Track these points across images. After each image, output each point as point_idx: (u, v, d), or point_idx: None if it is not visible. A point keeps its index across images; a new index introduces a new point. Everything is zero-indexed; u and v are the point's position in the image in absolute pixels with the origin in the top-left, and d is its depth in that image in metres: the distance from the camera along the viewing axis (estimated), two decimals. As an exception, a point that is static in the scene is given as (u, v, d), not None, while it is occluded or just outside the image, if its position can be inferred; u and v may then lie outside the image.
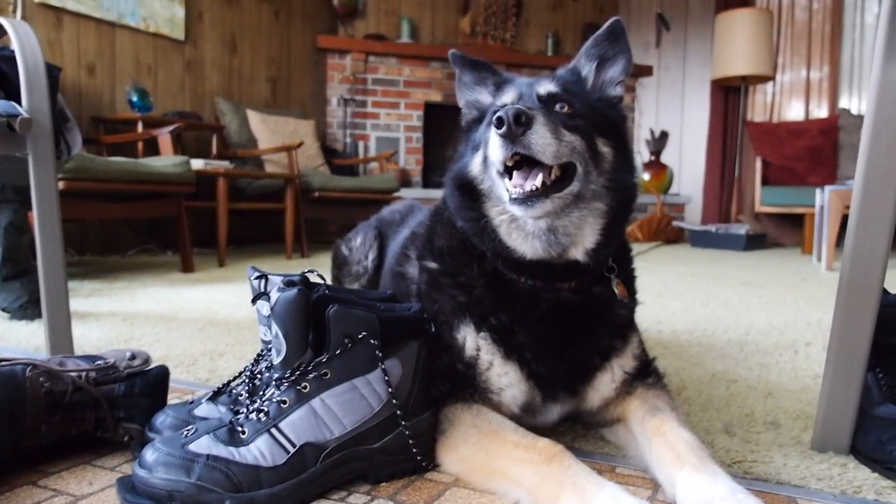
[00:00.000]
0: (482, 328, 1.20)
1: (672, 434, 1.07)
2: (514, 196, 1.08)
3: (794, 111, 7.66)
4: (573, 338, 1.20)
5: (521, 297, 1.18)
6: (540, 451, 1.03)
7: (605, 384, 1.25)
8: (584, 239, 1.16)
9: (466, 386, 1.20)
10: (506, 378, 1.20)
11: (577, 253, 1.16)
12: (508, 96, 1.22)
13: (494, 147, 1.08)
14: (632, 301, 1.29)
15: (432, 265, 1.28)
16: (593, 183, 1.15)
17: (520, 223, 1.16)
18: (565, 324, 1.18)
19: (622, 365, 1.26)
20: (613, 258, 1.23)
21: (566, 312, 1.18)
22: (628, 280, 1.29)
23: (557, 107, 1.16)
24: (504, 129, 1.03)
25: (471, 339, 1.20)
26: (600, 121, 1.19)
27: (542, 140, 1.04)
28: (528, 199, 1.07)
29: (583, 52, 1.28)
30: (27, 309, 2.41)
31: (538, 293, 1.17)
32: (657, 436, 1.09)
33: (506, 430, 1.11)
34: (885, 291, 1.21)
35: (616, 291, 1.22)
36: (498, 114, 1.03)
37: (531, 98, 1.18)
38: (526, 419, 1.24)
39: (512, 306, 1.18)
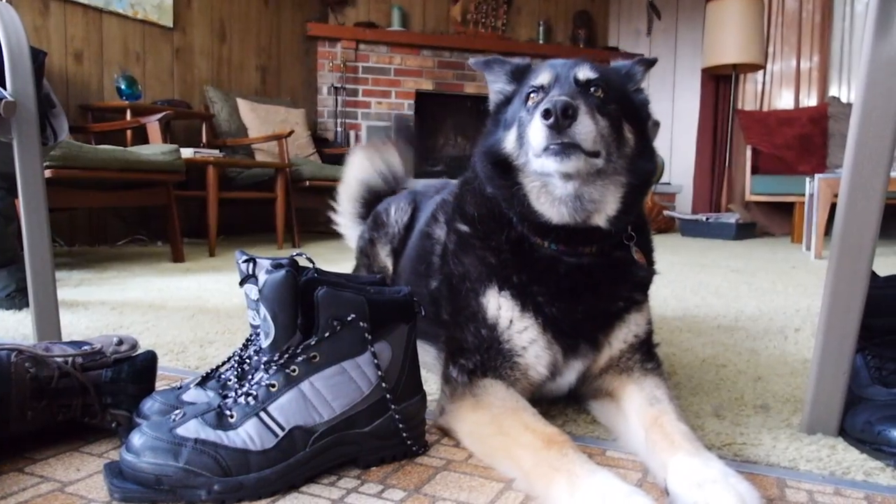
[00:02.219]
0: (504, 287, 1.27)
1: (669, 426, 1.09)
2: (551, 146, 1.12)
3: (784, 100, 7.66)
4: (592, 291, 1.26)
5: (542, 260, 1.25)
6: (544, 436, 1.06)
7: (618, 338, 1.31)
8: (606, 206, 1.22)
9: (495, 355, 1.25)
10: (527, 335, 1.25)
11: (600, 219, 1.22)
12: (544, 77, 1.26)
13: (537, 133, 1.13)
14: (650, 268, 1.36)
15: (463, 227, 1.36)
16: (615, 162, 1.21)
17: (549, 188, 1.21)
18: (583, 281, 1.25)
19: (638, 325, 1.33)
20: (632, 229, 1.30)
21: (585, 272, 1.25)
22: (647, 250, 1.36)
23: (592, 90, 1.21)
24: (552, 120, 1.09)
25: (493, 299, 1.27)
26: (629, 108, 1.27)
27: (585, 130, 1.12)
28: (563, 150, 1.12)
29: (639, 62, 1.37)
30: (14, 298, 2.39)
31: (559, 257, 1.24)
32: (654, 426, 1.10)
33: (523, 412, 1.15)
34: (873, 274, 1.21)
35: (635, 257, 1.29)
36: (545, 105, 1.10)
37: (568, 81, 1.22)
38: (548, 385, 1.31)
39: (533, 268, 1.25)
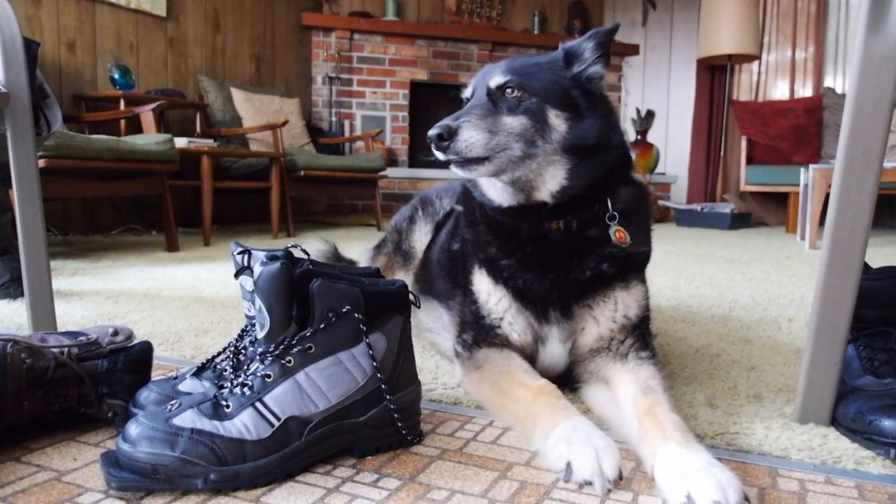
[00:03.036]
0: (482, 265, 1.44)
1: (662, 415, 1.10)
2: (455, 161, 1.26)
3: (779, 90, 7.67)
4: (558, 262, 1.34)
5: (506, 231, 1.38)
6: (534, 389, 1.23)
7: (605, 315, 1.36)
8: (545, 184, 1.32)
9: (485, 327, 1.42)
10: (501, 305, 1.41)
11: (543, 195, 1.32)
12: (468, 90, 1.40)
13: (436, 152, 1.27)
14: (637, 245, 1.37)
15: (458, 208, 1.61)
16: (542, 147, 1.29)
17: (493, 181, 1.35)
18: (548, 253, 1.34)
19: (626, 304, 1.37)
20: (620, 209, 1.35)
21: (550, 245, 1.34)
22: (643, 231, 1.40)
23: (507, 92, 1.30)
24: (433, 146, 1.25)
25: (476, 276, 1.46)
26: (559, 94, 1.32)
27: (465, 144, 1.23)
28: (466, 163, 1.26)
29: (591, 37, 1.36)
30: (9, 287, 2.39)
31: (520, 228, 1.36)
32: (647, 415, 1.12)
33: (518, 371, 1.31)
34: (865, 265, 1.22)
35: (613, 236, 1.33)
36: (428, 133, 1.25)
37: (483, 90, 1.34)
38: (540, 359, 1.41)
39: (504, 243, 1.39)
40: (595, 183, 1.33)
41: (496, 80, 1.32)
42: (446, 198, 1.98)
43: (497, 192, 1.37)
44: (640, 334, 1.37)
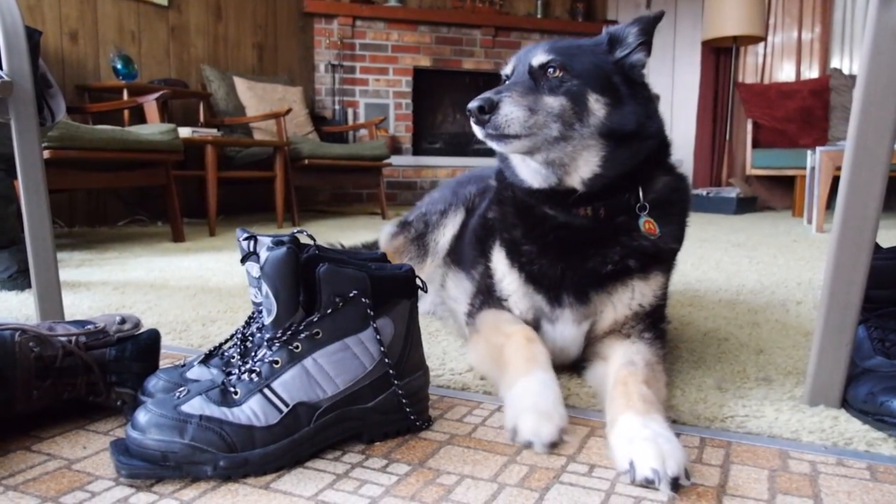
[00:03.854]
0: (502, 244, 1.47)
1: (631, 386, 1.13)
2: (492, 135, 1.24)
3: (785, 72, 7.60)
4: (579, 251, 1.34)
5: (532, 217, 1.39)
6: (508, 334, 1.31)
7: (623, 302, 1.36)
8: (578, 170, 1.30)
9: (495, 300, 1.47)
10: (511, 286, 1.44)
11: (574, 181, 1.31)
12: (509, 67, 1.39)
13: (474, 126, 1.26)
14: (666, 240, 1.36)
15: (492, 183, 1.59)
16: (580, 130, 1.28)
17: (527, 160, 1.33)
18: (572, 239, 1.34)
19: (643, 293, 1.36)
20: (654, 199, 1.35)
21: (574, 232, 1.34)
22: (676, 223, 1.40)
23: (549, 72, 1.29)
24: (473, 120, 1.24)
25: (495, 254, 1.49)
26: (599, 78, 1.31)
27: (504, 119, 1.22)
28: (503, 137, 1.24)
29: (636, 23, 1.35)
30: (17, 279, 2.39)
31: (550, 216, 1.36)
32: (618, 385, 1.15)
33: (503, 323, 1.38)
34: (876, 245, 1.21)
35: (642, 227, 1.32)
36: (468, 106, 1.23)
37: (525, 68, 1.32)
38: (552, 342, 1.40)
39: (525, 225, 1.41)
40: (628, 172, 1.32)
41: (539, 58, 1.31)
42: (473, 186, 1.99)
43: (530, 172, 1.36)
44: (652, 321, 1.38)
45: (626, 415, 1.05)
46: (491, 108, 1.22)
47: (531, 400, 1.11)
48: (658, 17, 1.35)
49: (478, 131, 1.25)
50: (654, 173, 1.37)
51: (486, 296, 1.49)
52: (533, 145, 1.26)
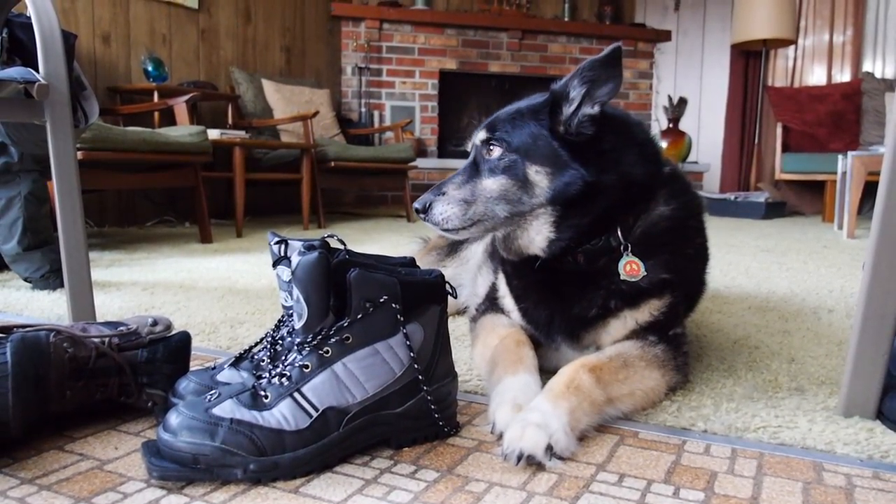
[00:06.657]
0: (502, 271, 1.55)
1: (574, 374, 1.17)
2: (442, 227, 1.29)
3: (815, 76, 7.49)
4: (564, 294, 1.36)
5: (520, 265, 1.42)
6: (501, 336, 1.38)
7: (616, 329, 1.35)
8: (533, 241, 1.31)
9: (496, 304, 1.54)
10: (510, 304, 1.50)
11: (534, 250, 1.32)
12: (469, 144, 1.40)
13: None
14: (653, 275, 1.31)
15: None
16: (525, 203, 1.28)
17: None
18: (554, 282, 1.37)
19: (636, 317, 1.34)
20: (642, 236, 1.31)
21: (556, 274, 1.35)
22: (668, 253, 1.34)
23: (489, 149, 1.30)
24: (421, 216, 1.31)
25: (500, 273, 1.56)
26: (537, 150, 1.28)
27: (441, 217, 1.28)
28: (446, 230, 1.30)
29: (577, 73, 1.26)
30: (49, 279, 2.43)
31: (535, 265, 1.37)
32: (560, 372, 1.19)
33: (499, 326, 1.46)
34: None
35: (622, 270, 1.29)
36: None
37: (473, 145, 1.36)
38: (560, 362, 1.37)
39: (512, 263, 1.44)
40: (593, 221, 1.28)
41: (480, 135, 1.33)
42: None
43: (498, 244, 1.41)
44: (658, 331, 1.35)
45: (537, 399, 1.12)
46: (425, 209, 1.29)
47: (511, 395, 1.17)
48: (607, 57, 1.23)
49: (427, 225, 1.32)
50: (639, 211, 1.32)
51: (491, 303, 1.56)
52: (485, 229, 1.30)
